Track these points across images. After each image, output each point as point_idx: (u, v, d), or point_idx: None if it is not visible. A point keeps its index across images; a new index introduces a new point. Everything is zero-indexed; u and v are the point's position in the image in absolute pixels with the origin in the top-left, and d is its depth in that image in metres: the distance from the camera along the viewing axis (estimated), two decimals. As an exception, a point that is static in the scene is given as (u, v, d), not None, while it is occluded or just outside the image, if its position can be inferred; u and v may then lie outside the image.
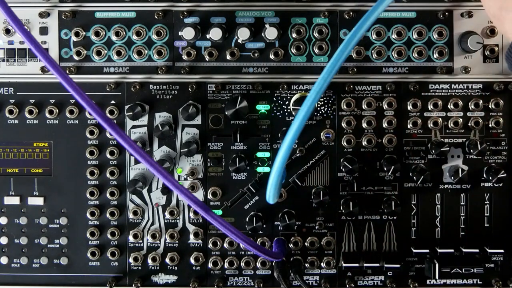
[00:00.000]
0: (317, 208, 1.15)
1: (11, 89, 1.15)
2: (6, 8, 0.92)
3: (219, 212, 1.15)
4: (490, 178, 1.11)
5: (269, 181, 0.87)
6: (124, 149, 1.13)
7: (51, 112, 1.13)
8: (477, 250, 1.13)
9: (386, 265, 1.13)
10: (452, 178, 1.12)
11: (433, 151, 1.12)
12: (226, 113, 1.12)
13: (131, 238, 1.15)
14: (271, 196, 0.90)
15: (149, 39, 1.13)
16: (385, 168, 1.12)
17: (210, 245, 1.15)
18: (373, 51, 1.12)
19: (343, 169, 1.13)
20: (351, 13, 1.11)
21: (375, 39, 1.12)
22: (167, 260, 1.15)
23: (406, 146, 1.14)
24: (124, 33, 1.12)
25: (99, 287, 1.16)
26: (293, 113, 1.12)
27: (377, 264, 1.13)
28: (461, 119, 1.13)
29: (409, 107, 1.13)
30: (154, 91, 1.14)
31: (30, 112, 1.13)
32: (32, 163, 1.15)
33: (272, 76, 1.14)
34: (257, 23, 1.12)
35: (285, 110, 1.14)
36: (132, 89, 1.13)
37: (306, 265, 1.16)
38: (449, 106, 1.12)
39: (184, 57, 1.12)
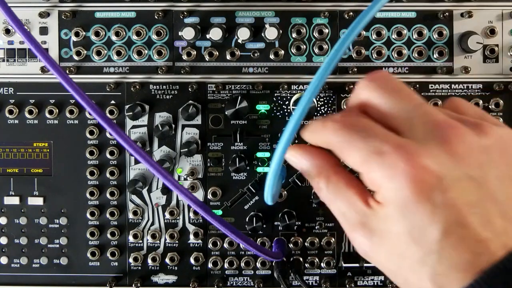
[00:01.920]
0: (317, 208, 1.15)
1: (11, 89, 1.15)
2: (6, 8, 0.91)
3: (219, 212, 1.15)
4: (490, 178, 1.11)
5: (266, 182, 0.87)
6: (124, 149, 1.13)
7: (51, 112, 1.13)
8: (477, 250, 1.13)
9: (386, 265, 1.13)
10: (452, 178, 1.12)
11: (433, 151, 1.12)
12: (226, 113, 1.11)
13: (131, 238, 1.15)
14: (269, 197, 0.89)
15: (149, 39, 1.13)
16: (385, 168, 1.12)
17: (210, 245, 1.15)
18: (373, 51, 1.12)
19: (343, 169, 1.13)
20: (351, 13, 1.11)
21: (375, 39, 1.12)
22: (167, 260, 1.15)
23: (406, 146, 1.14)
24: (124, 33, 1.12)
25: (99, 287, 1.16)
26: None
27: (377, 264, 1.13)
28: (461, 119, 1.12)
29: (409, 107, 1.13)
30: (154, 91, 1.14)
31: (30, 112, 1.13)
32: (32, 163, 1.15)
33: (272, 76, 1.13)
34: (257, 23, 1.12)
35: (285, 110, 1.14)
36: (132, 89, 1.13)
37: (306, 265, 1.16)
38: (449, 106, 1.12)
39: (184, 57, 1.12)
